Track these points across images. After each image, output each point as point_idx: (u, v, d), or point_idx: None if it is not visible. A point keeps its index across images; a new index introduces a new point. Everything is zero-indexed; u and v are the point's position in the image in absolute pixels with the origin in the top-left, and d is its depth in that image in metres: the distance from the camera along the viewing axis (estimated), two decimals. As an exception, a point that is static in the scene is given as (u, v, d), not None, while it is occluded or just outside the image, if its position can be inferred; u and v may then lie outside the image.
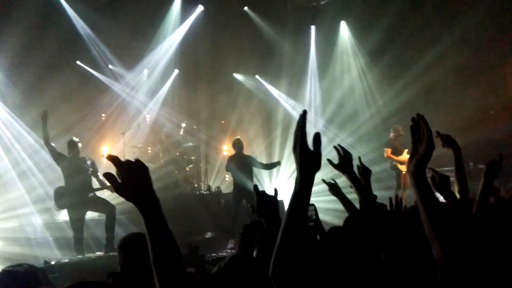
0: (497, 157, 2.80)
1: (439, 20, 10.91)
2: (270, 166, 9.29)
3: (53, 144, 6.91)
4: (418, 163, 1.52)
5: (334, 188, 3.37)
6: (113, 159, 1.39)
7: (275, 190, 2.28)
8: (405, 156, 9.35)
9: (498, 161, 2.78)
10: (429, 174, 3.07)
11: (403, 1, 10.86)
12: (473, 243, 1.97)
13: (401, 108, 11.01)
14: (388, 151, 9.33)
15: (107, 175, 1.38)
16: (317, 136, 1.41)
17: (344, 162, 2.97)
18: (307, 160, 1.39)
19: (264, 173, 11.98)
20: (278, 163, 9.13)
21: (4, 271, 2.43)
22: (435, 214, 1.48)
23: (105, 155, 1.42)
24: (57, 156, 6.92)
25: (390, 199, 2.31)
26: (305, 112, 1.42)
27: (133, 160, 1.44)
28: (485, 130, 9.77)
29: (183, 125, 10.85)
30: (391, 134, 9.51)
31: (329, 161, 2.84)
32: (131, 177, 1.39)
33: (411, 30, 11.01)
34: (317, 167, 1.40)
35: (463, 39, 10.49)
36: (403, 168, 9.35)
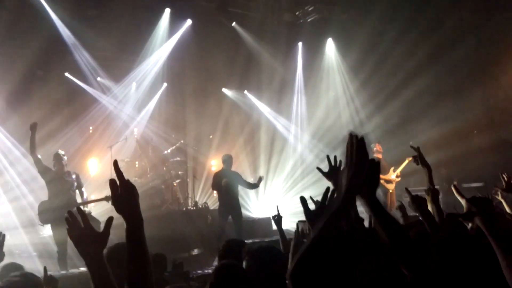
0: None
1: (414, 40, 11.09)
2: (254, 186, 9.04)
3: (39, 156, 6.86)
4: (367, 188, 1.53)
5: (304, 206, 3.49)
6: (118, 173, 1.65)
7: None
8: (391, 174, 9.42)
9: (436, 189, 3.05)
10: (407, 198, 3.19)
11: (393, 22, 11.05)
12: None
13: (382, 123, 11.18)
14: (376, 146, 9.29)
15: (112, 182, 1.62)
16: (376, 163, 1.47)
17: (332, 171, 3.05)
18: (357, 183, 1.44)
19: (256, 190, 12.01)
20: (260, 179, 8.81)
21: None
22: (393, 235, 1.55)
23: (113, 162, 1.60)
24: (42, 169, 6.88)
25: (370, 217, 2.35)
26: (363, 135, 1.47)
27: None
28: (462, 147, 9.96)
29: (179, 144, 10.80)
30: (373, 153, 9.49)
31: (319, 169, 2.94)
32: (126, 193, 1.63)
33: (393, 49, 11.21)
34: (360, 190, 1.48)
35: (434, 59, 10.74)
36: (390, 186, 9.41)
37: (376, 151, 9.37)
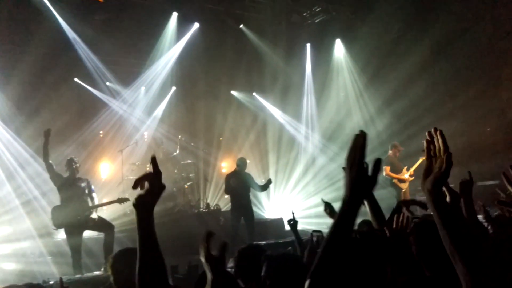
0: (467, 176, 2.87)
1: (431, 44, 11.01)
2: (264, 188, 9.01)
3: (51, 162, 6.92)
4: (436, 181, 1.50)
5: (331, 209, 3.57)
6: (155, 164, 1.54)
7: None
8: (404, 173, 9.35)
9: (469, 178, 2.84)
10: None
11: (399, 22, 11.00)
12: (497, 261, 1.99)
13: (393, 121, 11.09)
14: (387, 169, 9.23)
15: (153, 159, 1.54)
16: (378, 162, 1.38)
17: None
18: (363, 183, 1.36)
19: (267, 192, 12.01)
20: (269, 182, 8.84)
21: None
22: (456, 232, 1.45)
23: (151, 157, 1.53)
24: (53, 175, 6.93)
25: (393, 216, 2.34)
26: (365, 133, 1.39)
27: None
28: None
29: (179, 139, 10.81)
30: (390, 151, 9.47)
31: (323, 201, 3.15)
32: (155, 188, 1.53)
33: (400, 47, 11.15)
34: (370, 191, 1.38)
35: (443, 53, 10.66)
36: (404, 186, 9.34)
37: (393, 153, 9.37)
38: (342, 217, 1.35)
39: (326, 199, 3.73)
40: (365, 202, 3.00)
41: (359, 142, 1.37)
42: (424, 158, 1.61)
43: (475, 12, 10.80)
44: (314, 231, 3.12)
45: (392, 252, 2.33)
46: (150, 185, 1.53)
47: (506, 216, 3.83)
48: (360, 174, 1.35)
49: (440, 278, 1.99)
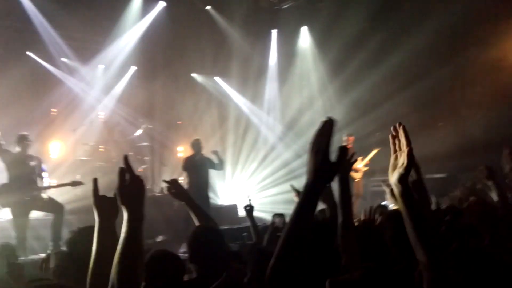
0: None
1: (398, 36, 11.16)
2: (221, 164, 8.90)
3: (1, 141, 6.58)
4: (401, 176, 1.55)
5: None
6: (128, 166, 1.59)
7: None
8: (358, 163, 9.53)
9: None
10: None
11: (367, 12, 11.08)
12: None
13: (358, 117, 11.24)
14: None
15: (122, 170, 1.57)
16: (342, 150, 1.39)
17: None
18: (326, 170, 1.37)
19: (220, 174, 11.92)
20: (215, 153, 8.76)
21: None
22: (420, 223, 1.53)
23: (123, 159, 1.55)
24: (1, 152, 6.60)
25: (364, 210, 2.38)
26: (333, 120, 1.39)
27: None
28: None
29: (143, 126, 10.56)
30: (343, 140, 9.59)
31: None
32: (135, 185, 1.59)
33: (370, 41, 11.27)
34: (331, 179, 1.40)
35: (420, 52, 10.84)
36: (357, 175, 9.54)
37: (347, 141, 9.48)
38: (304, 201, 1.36)
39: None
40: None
41: (327, 128, 1.37)
42: (378, 149, 1.64)
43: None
44: (275, 214, 3.10)
45: (351, 241, 2.37)
46: (120, 180, 1.59)
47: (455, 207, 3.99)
48: (324, 160, 1.35)
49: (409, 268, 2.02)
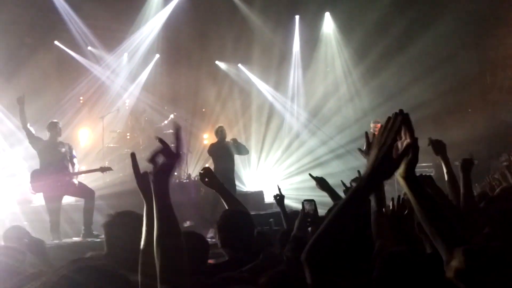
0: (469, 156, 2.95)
1: (424, 20, 10.91)
2: (244, 149, 8.97)
3: (31, 128, 6.74)
4: (408, 168, 1.50)
5: (321, 183, 3.56)
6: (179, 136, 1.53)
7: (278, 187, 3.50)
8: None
9: (471, 158, 2.99)
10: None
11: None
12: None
13: (384, 101, 11.07)
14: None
15: (161, 140, 1.52)
16: (407, 148, 1.38)
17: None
18: (387, 165, 1.34)
19: (245, 161, 11.96)
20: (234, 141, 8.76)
21: None
22: (433, 213, 1.51)
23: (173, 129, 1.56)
24: (34, 140, 6.76)
25: (392, 199, 2.37)
26: (405, 114, 1.36)
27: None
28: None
29: (172, 116, 10.65)
30: (371, 127, 9.45)
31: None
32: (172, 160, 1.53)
33: (394, 26, 11.06)
34: (391, 175, 1.36)
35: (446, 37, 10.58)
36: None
37: (374, 130, 9.32)
38: (357, 191, 1.35)
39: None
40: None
41: (395, 124, 1.35)
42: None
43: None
44: (305, 200, 3.08)
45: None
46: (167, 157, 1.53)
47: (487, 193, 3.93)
48: (387, 156, 1.33)
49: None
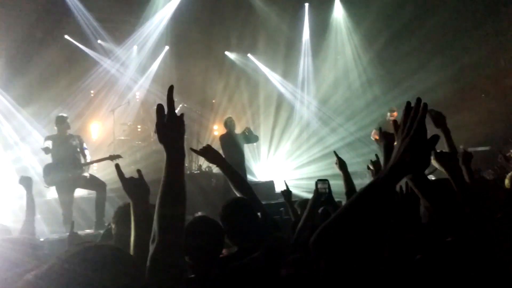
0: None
1: (433, 2, 10.72)
2: (255, 137, 8.87)
3: (47, 144, 6.73)
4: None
5: (342, 164, 3.61)
6: (170, 100, 1.54)
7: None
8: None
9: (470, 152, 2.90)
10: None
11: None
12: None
13: (394, 86, 10.93)
14: (374, 134, 9.21)
15: (160, 107, 1.52)
16: (434, 139, 1.27)
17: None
18: (418, 157, 1.24)
19: (254, 151, 11.94)
20: (246, 130, 8.64)
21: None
22: (442, 207, 1.44)
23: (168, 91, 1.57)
24: (44, 143, 6.78)
25: (400, 187, 2.33)
26: (425, 105, 1.25)
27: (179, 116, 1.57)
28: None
29: (180, 106, 10.65)
30: (387, 115, 9.38)
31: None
32: (173, 121, 1.53)
33: (404, 10, 10.88)
34: (424, 168, 1.27)
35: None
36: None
37: (390, 119, 9.25)
38: (378, 183, 1.27)
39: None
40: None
41: (419, 112, 1.25)
42: None
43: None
44: (319, 179, 3.05)
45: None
46: (158, 117, 1.55)
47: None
48: (417, 147, 1.24)
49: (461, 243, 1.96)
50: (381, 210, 1.27)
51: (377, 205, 1.26)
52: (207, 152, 3.15)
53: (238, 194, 3.11)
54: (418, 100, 1.27)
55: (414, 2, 10.67)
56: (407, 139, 1.25)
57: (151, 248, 1.46)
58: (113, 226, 2.61)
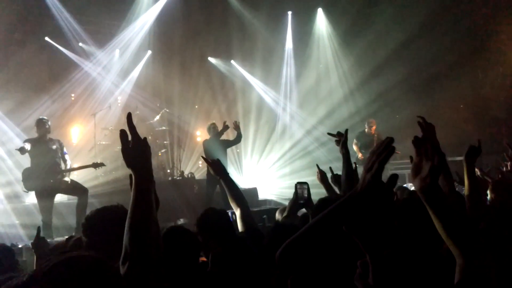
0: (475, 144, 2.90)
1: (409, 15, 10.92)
2: (237, 139, 8.92)
3: (26, 147, 6.59)
4: (425, 187, 1.38)
5: (323, 176, 3.78)
6: (131, 126, 1.55)
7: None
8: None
9: (477, 146, 2.85)
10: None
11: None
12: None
13: (376, 98, 11.08)
14: (357, 150, 9.37)
15: (123, 132, 1.53)
16: (394, 178, 1.29)
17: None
18: (373, 192, 1.29)
19: (237, 158, 11.94)
20: (225, 126, 8.63)
21: None
22: (451, 223, 1.40)
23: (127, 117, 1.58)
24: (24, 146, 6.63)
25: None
26: (391, 141, 1.29)
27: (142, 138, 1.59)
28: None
29: (162, 111, 10.57)
30: (365, 128, 9.50)
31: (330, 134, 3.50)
32: (138, 146, 1.55)
33: (382, 19, 11.08)
34: (375, 201, 1.30)
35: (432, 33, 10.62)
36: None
37: (369, 128, 9.35)
38: (339, 206, 1.33)
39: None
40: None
41: (385, 149, 1.28)
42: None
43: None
44: (298, 182, 3.09)
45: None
46: (123, 142, 1.55)
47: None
48: (373, 182, 1.29)
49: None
50: (342, 232, 1.32)
51: (336, 228, 1.32)
52: (215, 164, 3.34)
53: (233, 205, 3.28)
54: (391, 140, 1.29)
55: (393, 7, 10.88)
56: (370, 174, 1.29)
57: (122, 269, 1.43)
58: (84, 238, 2.53)
